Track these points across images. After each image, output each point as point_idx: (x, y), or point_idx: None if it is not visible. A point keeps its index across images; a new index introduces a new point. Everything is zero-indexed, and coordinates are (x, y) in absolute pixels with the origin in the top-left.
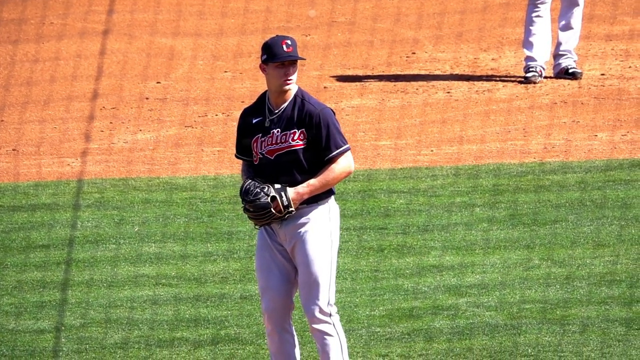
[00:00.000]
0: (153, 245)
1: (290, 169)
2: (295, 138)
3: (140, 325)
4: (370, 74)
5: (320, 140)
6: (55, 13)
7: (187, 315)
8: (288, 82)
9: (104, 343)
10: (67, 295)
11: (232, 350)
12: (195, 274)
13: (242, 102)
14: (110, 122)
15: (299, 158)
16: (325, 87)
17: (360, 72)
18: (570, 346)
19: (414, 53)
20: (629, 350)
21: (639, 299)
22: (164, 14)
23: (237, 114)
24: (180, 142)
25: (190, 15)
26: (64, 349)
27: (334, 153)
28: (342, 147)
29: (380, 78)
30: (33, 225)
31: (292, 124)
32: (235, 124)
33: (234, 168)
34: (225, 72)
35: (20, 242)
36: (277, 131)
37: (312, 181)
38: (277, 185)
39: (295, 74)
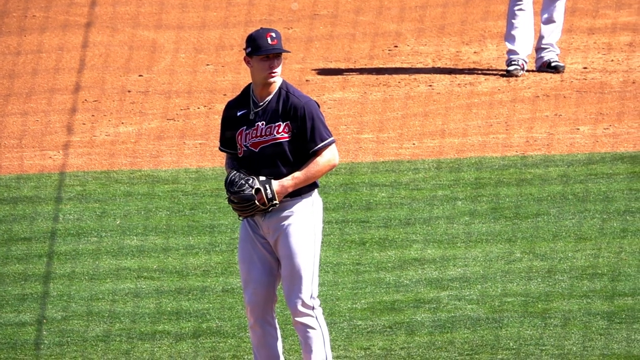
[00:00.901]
0: (135, 238)
1: (275, 161)
2: (280, 131)
3: (122, 318)
4: (353, 67)
5: (305, 133)
6: (38, 5)
7: (168, 309)
8: (273, 74)
9: (86, 336)
10: (48, 288)
11: (214, 344)
12: (177, 267)
13: (224, 95)
14: (92, 115)
15: (284, 151)
16: (307, 80)
17: (342, 65)
18: (551, 340)
19: (396, 46)
20: (611, 344)
21: (621, 293)
22: (146, 7)
23: (219, 107)
24: (162, 135)
25: (172, 8)
26: (46, 341)
27: (319, 146)
28: (326, 139)
29: (362, 71)
30: (15, 218)
31: (277, 116)
32: (218, 117)
33: (215, 161)
34: (208, 65)
35: (2, 234)
36: (262, 124)
37: (297, 174)
38: (262, 178)
39: (280, 66)
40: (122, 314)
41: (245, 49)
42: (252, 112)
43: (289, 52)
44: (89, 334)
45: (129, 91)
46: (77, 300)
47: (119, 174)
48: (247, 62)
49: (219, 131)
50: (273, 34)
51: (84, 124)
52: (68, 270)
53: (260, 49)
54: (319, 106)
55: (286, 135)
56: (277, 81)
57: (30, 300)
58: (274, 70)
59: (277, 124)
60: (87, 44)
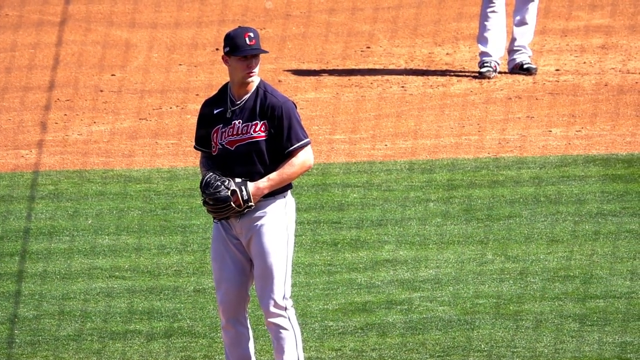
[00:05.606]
0: (107, 237)
1: (250, 160)
2: (257, 129)
3: (93, 317)
4: (325, 68)
5: (282, 133)
6: (11, 4)
7: (140, 308)
8: (251, 74)
9: (58, 335)
10: (21, 286)
11: (186, 343)
12: (149, 266)
13: (197, 94)
14: (65, 114)
15: (260, 149)
16: (280, 81)
17: (315, 66)
18: (523, 342)
19: (369, 47)
20: (582, 346)
21: (593, 295)
22: (119, 6)
23: (192, 106)
24: (135, 135)
25: (145, 7)
26: (18, 340)
27: (294, 146)
28: (302, 140)
29: (335, 72)
30: None
31: (254, 115)
32: (191, 116)
33: (188, 161)
34: (181, 64)
35: None
36: (239, 122)
37: (272, 175)
38: (238, 180)
39: (258, 66)
40: (94, 313)
41: (223, 48)
42: (229, 111)
43: (267, 52)
44: (60, 333)
45: (102, 90)
46: (49, 299)
47: (91, 173)
48: (225, 61)
49: (193, 131)
50: (251, 34)
51: (57, 123)
52: (40, 269)
53: (239, 49)
54: (296, 107)
55: (263, 134)
56: (254, 80)
57: (2, 299)
58: (252, 70)
59: (254, 122)
60: (60, 43)
